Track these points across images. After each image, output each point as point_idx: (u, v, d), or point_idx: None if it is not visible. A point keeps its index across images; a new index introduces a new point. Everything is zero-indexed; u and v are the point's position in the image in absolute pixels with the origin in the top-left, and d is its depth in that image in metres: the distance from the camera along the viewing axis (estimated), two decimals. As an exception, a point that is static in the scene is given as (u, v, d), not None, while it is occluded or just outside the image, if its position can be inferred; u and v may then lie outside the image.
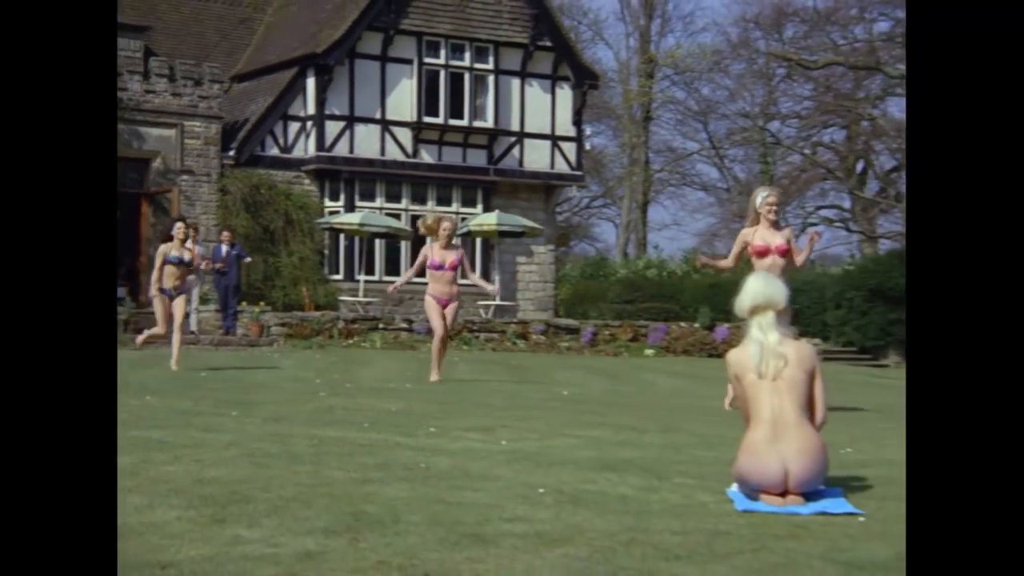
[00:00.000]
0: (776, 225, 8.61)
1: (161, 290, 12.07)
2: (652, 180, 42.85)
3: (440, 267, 11.15)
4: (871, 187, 39.95)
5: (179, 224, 12.46)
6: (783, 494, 4.55)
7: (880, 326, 23.13)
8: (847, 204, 40.78)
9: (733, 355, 4.93)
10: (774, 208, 8.56)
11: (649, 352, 22.47)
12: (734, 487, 4.77)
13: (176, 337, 12.14)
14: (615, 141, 43.48)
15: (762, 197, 8.65)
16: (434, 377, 11.30)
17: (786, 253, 8.52)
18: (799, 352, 4.79)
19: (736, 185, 42.61)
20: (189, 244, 12.96)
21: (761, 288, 4.90)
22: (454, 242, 11.53)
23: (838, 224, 41.48)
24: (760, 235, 8.55)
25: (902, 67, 32.30)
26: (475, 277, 12.56)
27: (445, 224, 11.30)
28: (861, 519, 4.22)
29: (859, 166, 40.18)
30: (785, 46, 37.01)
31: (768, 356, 4.75)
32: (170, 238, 12.31)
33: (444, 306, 11.26)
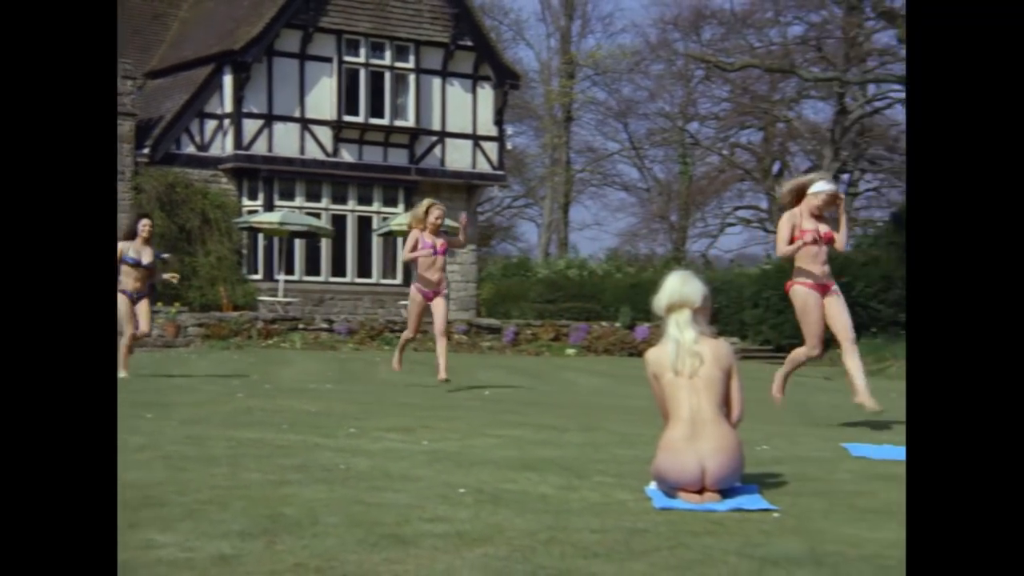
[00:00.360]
0: (820, 217, 8.08)
1: (122, 291, 10.95)
2: (573, 180, 43.08)
3: (433, 250, 10.55)
4: (787, 188, 40.57)
5: (145, 221, 11.27)
6: (700, 491, 4.60)
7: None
8: (764, 205, 41.38)
9: (651, 354, 4.97)
10: (828, 205, 8.02)
11: (571, 351, 22.58)
12: (652, 485, 4.81)
13: (125, 342, 11.04)
14: (537, 141, 43.67)
15: (821, 187, 7.97)
16: (396, 368, 11.39)
17: (831, 240, 8.14)
18: (716, 350, 4.84)
19: (656, 185, 43.01)
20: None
21: (678, 287, 4.95)
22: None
23: (755, 224, 42.10)
24: (806, 221, 8.03)
25: (815, 70, 32.86)
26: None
27: (436, 212, 10.63)
28: (776, 515, 4.27)
29: (775, 167, 40.80)
30: (703, 48, 37.44)
31: (684, 354, 4.80)
32: (133, 235, 11.10)
33: (430, 299, 10.69)
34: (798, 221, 8.00)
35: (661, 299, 4.94)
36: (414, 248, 10.53)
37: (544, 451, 6.01)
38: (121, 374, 10.59)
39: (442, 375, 10.75)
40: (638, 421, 7.93)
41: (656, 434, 4.92)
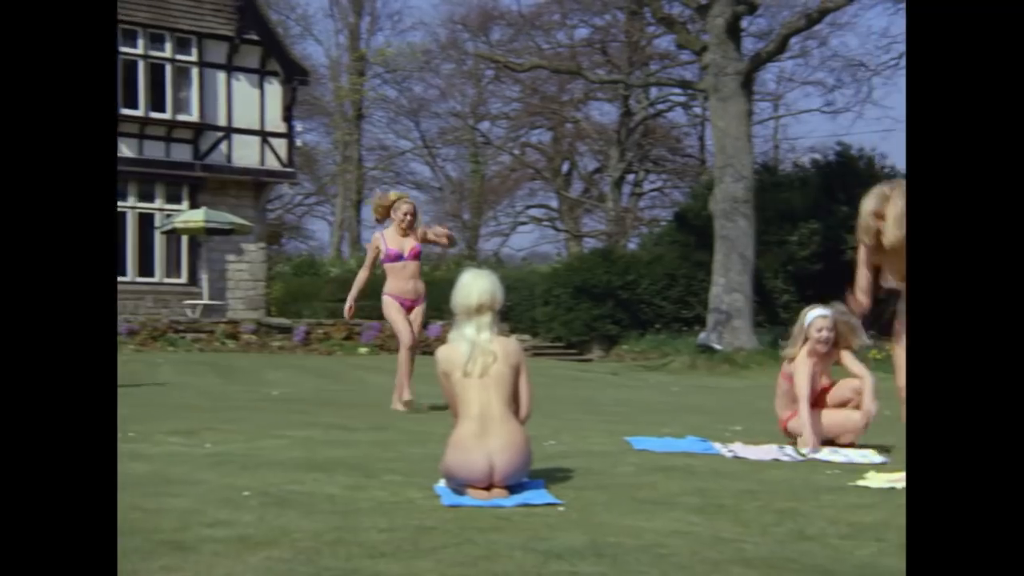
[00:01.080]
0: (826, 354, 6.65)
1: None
2: (365, 178, 42.81)
3: (399, 257, 8.74)
4: (576, 187, 41.48)
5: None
6: (488, 488, 4.64)
7: (585, 322, 24.07)
8: (554, 204, 42.18)
9: (441, 352, 4.97)
10: (825, 339, 6.59)
11: (363, 350, 22.43)
12: (442, 483, 4.82)
13: None
14: (328, 138, 43.20)
15: (814, 321, 6.62)
16: (406, 396, 8.67)
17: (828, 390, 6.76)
18: (505, 348, 4.90)
19: (448, 184, 43.22)
20: None
21: (489, 287, 4.95)
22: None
23: (546, 223, 42.86)
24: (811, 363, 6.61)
25: (601, 72, 33.71)
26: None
27: (404, 207, 8.69)
28: (561, 509, 4.35)
29: (564, 167, 41.64)
30: (492, 48, 37.84)
31: (478, 354, 4.83)
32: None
33: (410, 308, 8.89)
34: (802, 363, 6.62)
35: (470, 298, 4.90)
36: (375, 259, 8.86)
37: (333, 451, 5.95)
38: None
39: (407, 396, 8.74)
40: (429, 419, 7.95)
41: (447, 432, 4.94)
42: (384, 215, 8.79)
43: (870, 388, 6.56)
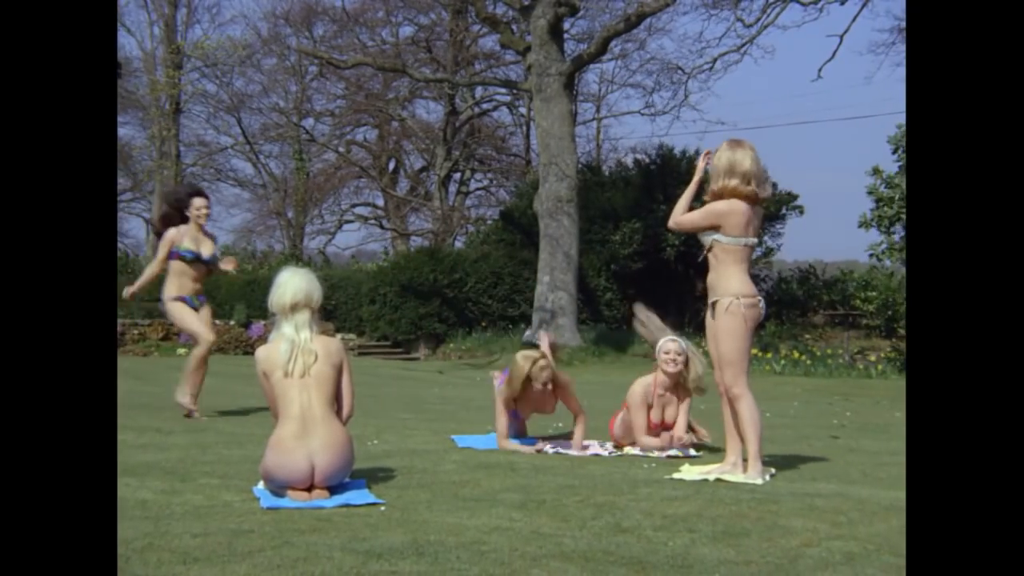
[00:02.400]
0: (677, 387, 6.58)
1: (179, 298, 8.34)
2: (184, 174, 41.65)
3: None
4: (402, 186, 41.36)
5: (200, 200, 8.37)
6: (309, 489, 4.57)
7: (411, 320, 23.99)
8: (380, 202, 41.93)
9: (261, 352, 4.88)
10: (675, 365, 6.49)
11: (182, 351, 21.81)
12: (260, 485, 4.73)
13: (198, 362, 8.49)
14: (144, 133, 41.81)
15: (664, 347, 6.54)
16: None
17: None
18: (327, 347, 4.83)
19: (272, 181, 42.46)
20: None
21: (303, 285, 4.88)
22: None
23: (372, 221, 42.56)
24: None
25: (426, 71, 33.70)
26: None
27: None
28: (382, 508, 4.32)
29: (391, 165, 41.45)
30: (316, 44, 37.35)
31: (299, 353, 4.75)
32: (177, 219, 8.44)
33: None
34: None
35: (284, 297, 4.84)
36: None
37: (146, 455, 5.76)
38: (193, 409, 8.28)
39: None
40: (248, 420, 7.79)
41: (267, 433, 4.84)
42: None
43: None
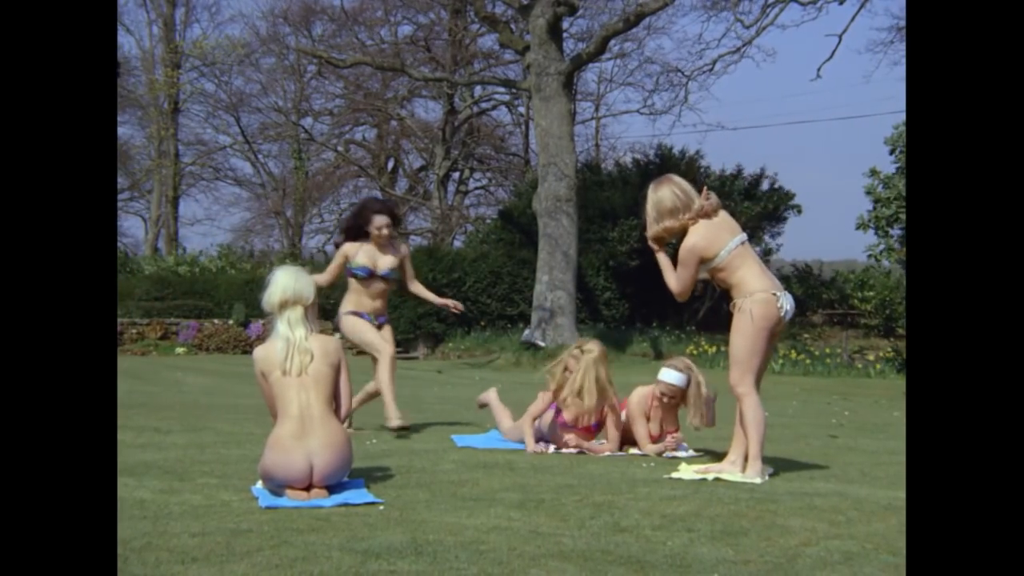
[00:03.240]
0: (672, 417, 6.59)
1: (355, 312, 7.81)
2: (183, 174, 41.64)
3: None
4: (401, 185, 41.35)
5: (382, 218, 7.74)
6: (308, 488, 4.57)
7: (410, 320, 23.97)
8: (378, 201, 41.90)
9: (259, 352, 4.88)
10: (664, 398, 6.41)
11: (180, 350, 21.83)
12: (259, 484, 4.72)
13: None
14: (142, 132, 41.80)
15: (664, 376, 6.40)
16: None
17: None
18: (324, 346, 4.83)
19: (271, 180, 42.44)
20: None
21: (291, 283, 4.88)
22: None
23: (370, 221, 42.51)
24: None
25: (425, 70, 33.68)
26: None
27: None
28: (381, 507, 4.32)
29: (389, 164, 41.44)
30: (315, 43, 37.33)
31: (295, 352, 4.75)
32: (359, 234, 7.88)
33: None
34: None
35: (273, 295, 4.86)
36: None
37: (144, 455, 5.75)
38: (396, 422, 7.22)
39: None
40: (247, 420, 7.78)
41: (266, 432, 4.84)
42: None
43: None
